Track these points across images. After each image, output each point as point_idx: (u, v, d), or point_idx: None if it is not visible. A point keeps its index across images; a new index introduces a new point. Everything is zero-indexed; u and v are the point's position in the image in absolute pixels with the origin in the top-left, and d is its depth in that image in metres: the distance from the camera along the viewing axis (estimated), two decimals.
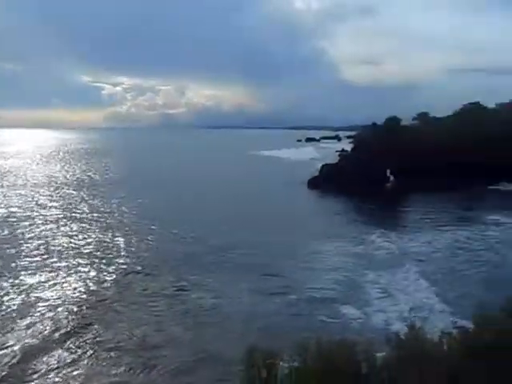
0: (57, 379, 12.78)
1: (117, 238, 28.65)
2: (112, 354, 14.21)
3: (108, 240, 28.42)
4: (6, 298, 18.58)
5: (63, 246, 26.71)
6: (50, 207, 39.61)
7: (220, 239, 28.06)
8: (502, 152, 49.43)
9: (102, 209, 38.94)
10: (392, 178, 54.78)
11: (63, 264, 23.42)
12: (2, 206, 39.97)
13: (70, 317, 17.00)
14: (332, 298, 19.37)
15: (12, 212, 36.81)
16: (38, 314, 17.18)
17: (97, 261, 23.98)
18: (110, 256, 25.00)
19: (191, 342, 15.19)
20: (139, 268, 23.00)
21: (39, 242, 27.54)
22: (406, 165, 51.23)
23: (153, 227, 31.57)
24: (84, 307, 17.97)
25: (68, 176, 65.27)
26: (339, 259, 24.95)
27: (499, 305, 7.45)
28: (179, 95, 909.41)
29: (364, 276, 22.18)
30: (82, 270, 22.54)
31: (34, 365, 13.43)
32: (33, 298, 18.68)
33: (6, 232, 30.08)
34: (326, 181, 50.04)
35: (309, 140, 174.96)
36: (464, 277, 22.03)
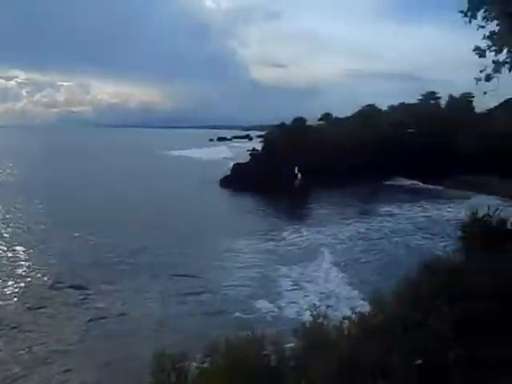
0: None
1: (15, 248, 25.85)
2: (8, 371, 12.84)
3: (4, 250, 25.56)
4: None
5: None
6: None
7: (130, 243, 26.86)
8: (393, 150, 54.59)
9: None
10: (300, 176, 57.28)
11: None
12: None
13: None
14: (246, 295, 19.70)
15: None
16: None
17: None
18: (10, 268, 22.53)
19: (98, 352, 14.30)
20: (43, 278, 21.05)
21: None
22: (312, 163, 53.91)
23: (57, 234, 29.07)
24: None
25: None
26: (251, 256, 25.46)
27: (392, 288, 8.18)
28: (83, 92, 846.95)
29: (277, 271, 22.93)
30: None
31: None
32: None
33: None
34: (238, 180, 50.71)
35: (221, 139, 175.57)
36: (366, 264, 23.95)
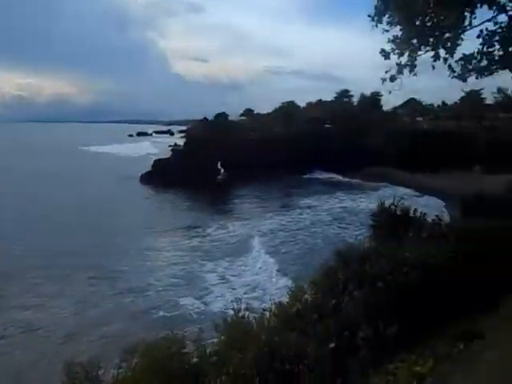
0: None
1: None
2: None
3: None
4: None
5: None
6: None
7: (44, 246, 24.84)
8: (311, 145, 57.03)
9: None
10: (222, 171, 57.39)
11: None
12: None
13: None
14: (170, 293, 19.31)
15: None
16: None
17: None
18: None
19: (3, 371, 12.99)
20: None
21: None
22: (235, 158, 54.32)
23: None
24: None
25: None
26: (175, 253, 25.01)
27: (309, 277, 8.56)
28: None
29: (202, 267, 22.80)
30: None
31: None
32: None
33: None
34: (159, 176, 49.37)
35: (141, 134, 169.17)
36: (288, 255, 24.77)
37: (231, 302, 17.83)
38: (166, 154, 59.12)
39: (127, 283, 20.16)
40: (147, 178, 50.50)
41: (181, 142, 62.49)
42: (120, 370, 5.05)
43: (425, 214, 13.34)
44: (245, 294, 18.90)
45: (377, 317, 6.23)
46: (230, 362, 4.94)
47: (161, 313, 17.04)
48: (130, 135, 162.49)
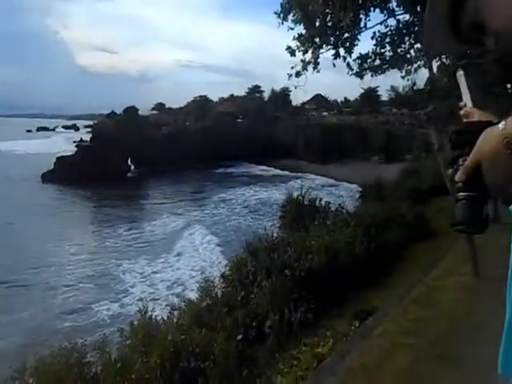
0: None
1: None
2: None
3: None
4: None
5: None
6: None
7: None
8: (225, 139, 57.32)
9: None
10: (133, 167, 55.08)
11: None
12: None
13: None
14: (81, 298, 17.97)
15: None
16: None
17: None
18: None
19: None
20: None
21: None
22: (146, 154, 52.41)
23: None
24: None
25: None
26: (86, 256, 23.39)
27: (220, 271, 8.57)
28: None
29: (118, 267, 21.64)
30: None
31: None
32: None
33: None
34: (64, 174, 45.73)
35: (41, 129, 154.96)
36: (204, 251, 24.58)
37: (150, 300, 17.29)
38: (71, 150, 54.88)
39: (29, 293, 18.36)
40: (50, 178, 46.47)
41: (87, 137, 58.35)
42: None
43: (329, 203, 14.23)
44: (166, 290, 18.41)
45: (283, 304, 6.47)
46: (133, 367, 4.74)
47: (67, 322, 15.76)
48: (29, 130, 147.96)
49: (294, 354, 5.13)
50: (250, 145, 57.76)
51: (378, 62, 8.81)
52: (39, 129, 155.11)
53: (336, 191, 38.42)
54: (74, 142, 69.63)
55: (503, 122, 0.89)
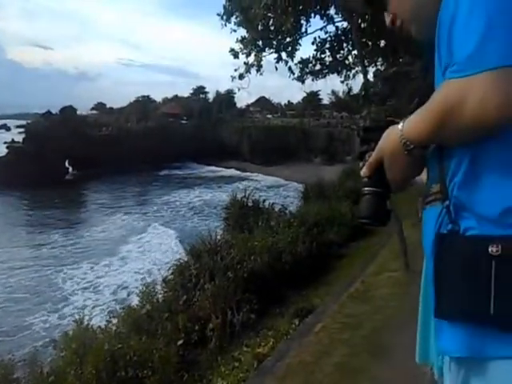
0: None
1: None
2: None
3: None
4: None
5: None
6: None
7: None
8: (168, 140, 56.19)
9: None
10: (71, 169, 52.38)
11: None
12: None
13: None
14: (12, 310, 16.71)
15: None
16: None
17: None
18: None
19: None
20: None
21: None
22: (85, 155, 50.01)
23: None
24: None
25: None
26: (20, 264, 21.88)
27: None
28: None
29: (57, 274, 20.47)
30: None
31: None
32: None
33: None
34: None
35: None
36: (150, 253, 23.91)
37: (92, 308, 16.46)
38: (2, 151, 51.03)
39: None
40: None
41: (19, 138, 54.51)
42: None
43: (273, 204, 14.44)
44: (110, 296, 17.69)
45: (226, 307, 6.44)
46: (66, 379, 4.49)
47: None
48: None
49: (235, 355, 5.13)
50: (194, 146, 57.11)
51: (318, 66, 9.06)
52: None
53: (283, 192, 39.08)
54: (5, 142, 64.79)
55: (401, 124, 0.94)
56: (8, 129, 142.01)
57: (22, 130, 73.42)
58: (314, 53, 8.92)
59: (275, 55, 8.65)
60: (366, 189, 1.03)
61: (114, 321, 6.43)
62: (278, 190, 41.18)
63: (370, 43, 8.67)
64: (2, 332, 14.81)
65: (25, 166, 43.58)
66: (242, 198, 13.66)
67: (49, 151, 46.16)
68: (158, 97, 78.49)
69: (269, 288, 7.25)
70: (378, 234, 10.50)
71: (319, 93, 58.46)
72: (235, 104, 70.75)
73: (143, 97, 74.08)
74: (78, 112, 58.18)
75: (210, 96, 74.75)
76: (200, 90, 77.05)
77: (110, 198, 40.06)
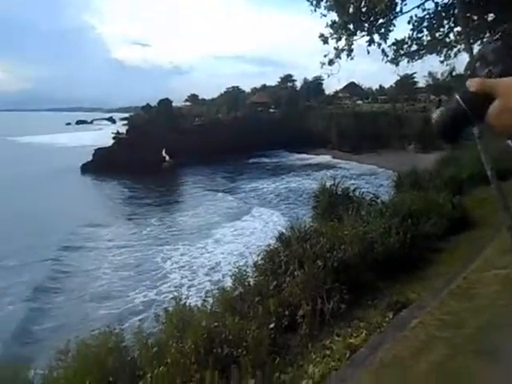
0: None
1: None
2: None
3: None
4: None
5: None
6: None
7: None
8: (257, 129, 57.27)
9: None
10: (168, 158, 56.17)
11: None
12: None
13: None
14: (118, 286, 18.51)
15: None
16: None
17: None
18: None
19: None
20: None
21: None
22: (180, 145, 53.35)
23: None
24: None
25: None
26: (126, 243, 24.20)
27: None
28: None
29: (157, 253, 22.22)
30: None
31: None
32: None
33: None
34: (101, 165, 47.39)
35: (80, 123, 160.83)
36: (243, 237, 24.75)
37: (188, 287, 17.66)
38: (103, 142, 56.77)
39: (66, 280, 19.22)
40: (88, 169, 48.30)
41: (123, 129, 60.01)
42: (52, 371, 4.81)
43: (363, 192, 13.97)
44: (205, 276, 18.82)
45: (316, 294, 6.44)
46: (168, 351, 4.88)
47: (103, 311, 16.24)
48: (68, 123, 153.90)
49: (326, 344, 5.12)
50: (282, 135, 57.44)
51: (414, 47, 8.50)
52: (78, 122, 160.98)
53: (374, 180, 37.72)
54: (113, 133, 71.64)
55: None
56: (114, 121, 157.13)
57: (125, 122, 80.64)
58: (410, 33, 8.35)
59: (367, 38, 8.26)
60: (458, 97, 0.99)
61: (210, 300, 6.77)
62: (368, 178, 39.74)
63: (475, 18, 7.88)
64: (107, 306, 16.61)
65: (127, 155, 47.85)
66: (330, 187, 13.44)
67: (148, 141, 50.00)
68: (247, 87, 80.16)
69: (359, 278, 7.07)
70: (481, 229, 9.61)
71: (414, 75, 54.62)
72: (323, 91, 69.42)
73: (233, 87, 76.16)
74: (173, 104, 61.96)
75: (298, 84, 74.29)
76: (288, 78, 76.90)
77: (202, 185, 42.31)
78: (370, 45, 8.25)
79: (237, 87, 76.52)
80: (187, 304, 6.54)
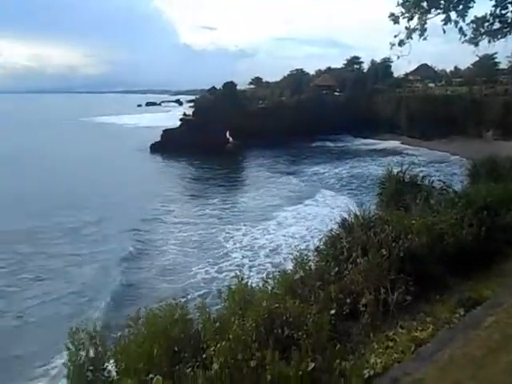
0: None
1: None
2: None
3: None
4: None
5: None
6: None
7: (72, 217, 25.04)
8: (321, 112, 56.08)
9: None
10: (231, 139, 57.08)
11: None
12: None
13: None
14: (183, 261, 19.34)
15: None
16: None
17: None
18: None
19: None
20: None
21: None
22: (244, 127, 53.89)
23: None
24: None
25: None
26: (191, 220, 25.21)
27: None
28: None
29: (220, 232, 22.92)
30: None
31: None
32: None
33: None
34: (169, 145, 49.45)
35: (150, 104, 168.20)
36: (305, 221, 24.74)
37: (249, 267, 18.09)
38: (171, 122, 59.00)
39: (138, 252, 20.43)
40: (157, 148, 50.63)
41: (190, 111, 61.85)
42: (124, 336, 5.16)
43: (433, 181, 13.19)
44: (265, 258, 19.16)
45: (379, 284, 6.25)
46: (230, 327, 5.02)
47: (164, 284, 17.08)
48: (139, 105, 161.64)
49: (389, 335, 4.97)
50: (347, 119, 55.78)
51: (497, 25, 7.70)
52: (148, 104, 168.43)
53: (445, 168, 35.68)
54: (180, 114, 74.07)
55: None
56: (181, 103, 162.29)
57: (191, 104, 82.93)
58: (493, 9, 7.56)
59: (442, 16, 7.61)
60: None
61: (270, 282, 6.83)
62: (439, 166, 37.54)
63: None
64: (172, 280, 17.48)
65: (194, 136, 49.35)
66: (397, 173, 12.84)
67: (213, 123, 51.10)
68: (311, 69, 78.59)
69: (427, 271, 6.73)
70: None
71: (495, 56, 50.04)
72: (392, 73, 66.10)
73: (297, 70, 75.06)
74: (238, 87, 62.43)
75: (365, 66, 71.36)
76: (354, 60, 74.16)
77: (264, 167, 42.62)
78: (445, 23, 7.60)
79: (301, 70, 75.28)
80: (249, 283, 6.66)
